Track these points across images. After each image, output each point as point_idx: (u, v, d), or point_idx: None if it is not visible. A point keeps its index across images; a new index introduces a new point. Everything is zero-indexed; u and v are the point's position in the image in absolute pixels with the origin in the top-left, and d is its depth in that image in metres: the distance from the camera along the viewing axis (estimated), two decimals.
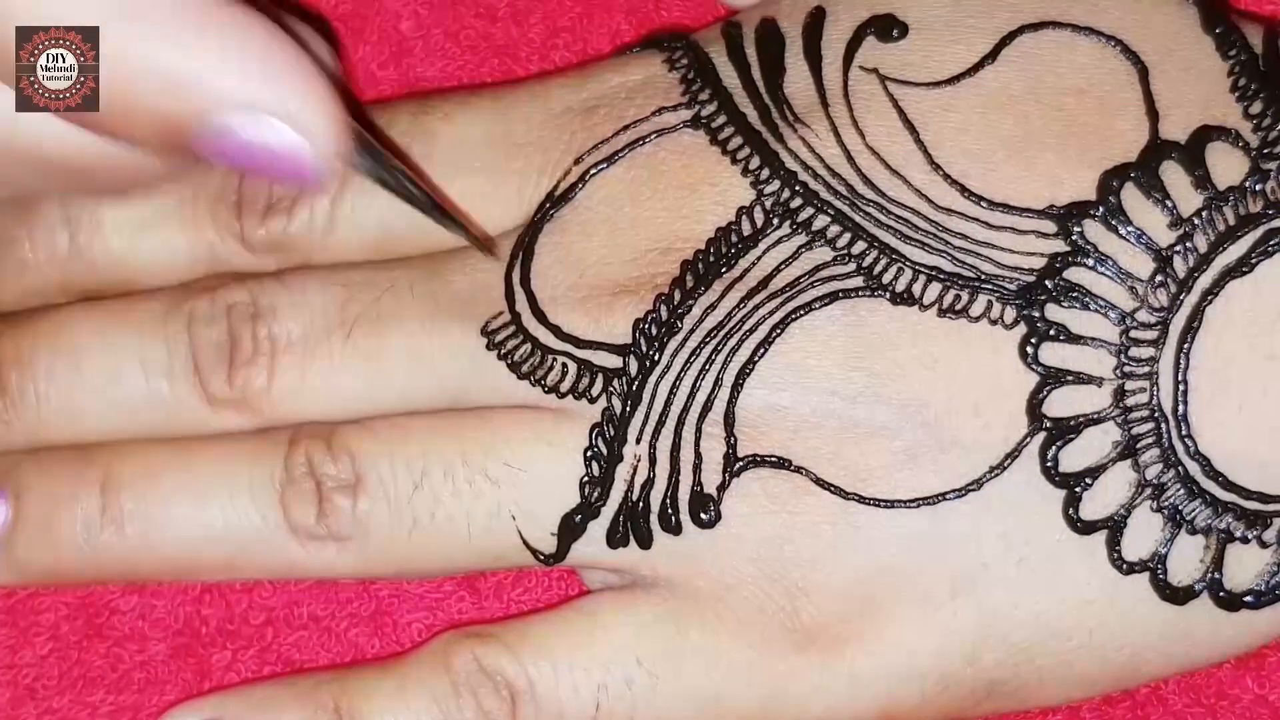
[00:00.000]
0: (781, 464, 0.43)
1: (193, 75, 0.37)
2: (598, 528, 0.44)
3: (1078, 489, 0.42)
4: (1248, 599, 0.43)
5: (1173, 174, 0.43)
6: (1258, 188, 0.43)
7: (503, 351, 0.45)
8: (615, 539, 0.44)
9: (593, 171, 0.45)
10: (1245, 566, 0.43)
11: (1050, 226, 0.43)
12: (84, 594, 0.48)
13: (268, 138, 0.38)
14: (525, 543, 0.45)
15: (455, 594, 0.49)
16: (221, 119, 0.37)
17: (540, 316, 0.44)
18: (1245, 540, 0.43)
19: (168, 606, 0.49)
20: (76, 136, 0.39)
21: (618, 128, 0.46)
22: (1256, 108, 0.43)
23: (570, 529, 0.44)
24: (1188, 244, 0.42)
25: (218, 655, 0.48)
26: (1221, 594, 0.43)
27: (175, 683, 0.48)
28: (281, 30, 0.38)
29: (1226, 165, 0.43)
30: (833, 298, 0.43)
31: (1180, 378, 0.42)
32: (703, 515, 0.43)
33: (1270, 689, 0.48)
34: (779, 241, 0.44)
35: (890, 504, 0.43)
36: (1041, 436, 0.42)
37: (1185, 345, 0.42)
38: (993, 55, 0.44)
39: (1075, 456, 0.42)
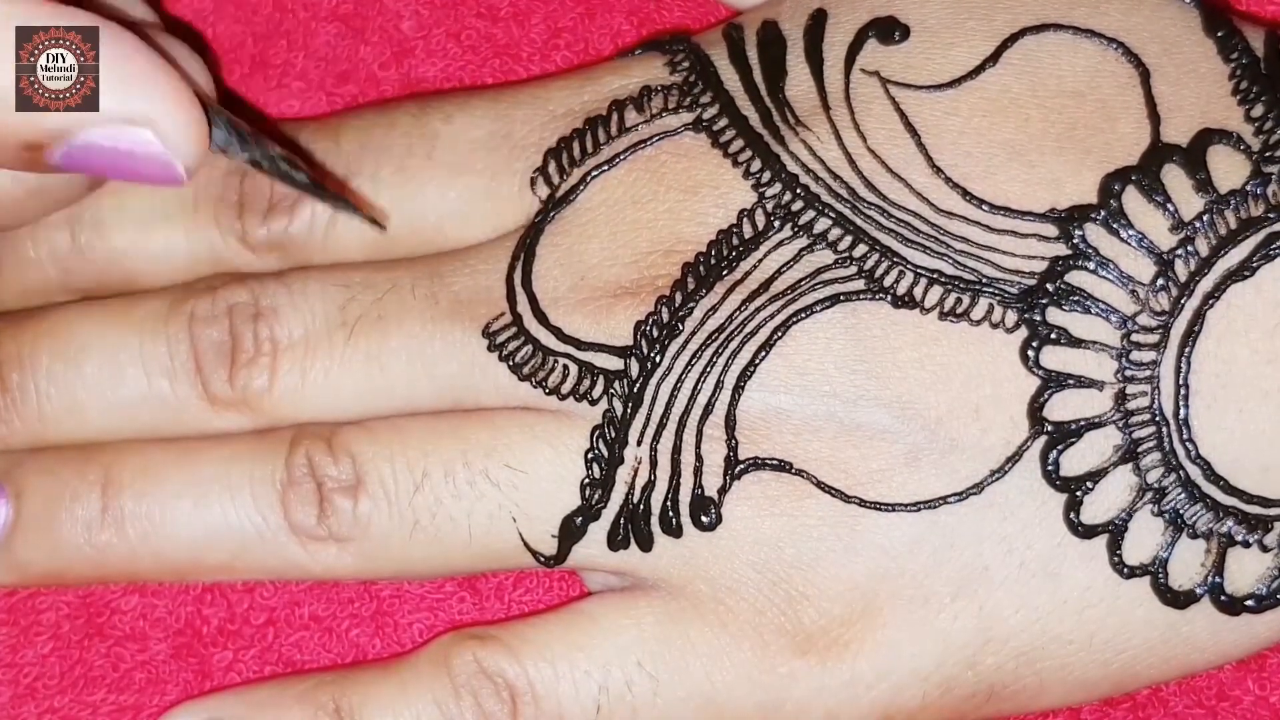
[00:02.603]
0: (782, 467, 0.43)
1: None
2: (598, 530, 0.44)
3: (1078, 493, 0.42)
4: (1249, 603, 0.43)
5: (1174, 177, 0.43)
6: (1259, 191, 0.42)
7: (504, 353, 0.45)
8: (616, 541, 0.44)
9: (594, 173, 0.45)
10: (1246, 570, 0.43)
11: (1051, 230, 0.43)
12: (85, 593, 0.48)
13: (126, 145, 0.38)
14: (526, 544, 0.45)
15: (456, 594, 0.48)
16: (82, 135, 0.38)
17: (541, 318, 0.44)
18: (1246, 544, 0.42)
19: (169, 606, 0.49)
20: None
21: (619, 130, 0.46)
22: (1258, 111, 0.43)
23: (570, 531, 0.44)
24: (1189, 247, 0.42)
25: (219, 655, 0.48)
26: (1222, 598, 0.43)
27: (176, 682, 0.48)
28: (130, 33, 0.38)
29: (1228, 168, 0.43)
30: (834, 301, 0.43)
31: (1181, 381, 0.42)
32: (703, 518, 0.43)
33: (1271, 690, 0.47)
34: (780, 244, 0.44)
35: (891, 507, 0.43)
36: (1042, 440, 0.42)
37: (1186, 349, 0.42)
38: (994, 58, 0.44)
39: (1076, 460, 0.42)
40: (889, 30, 0.45)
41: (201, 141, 0.39)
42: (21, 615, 0.49)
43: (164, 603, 0.49)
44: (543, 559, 0.45)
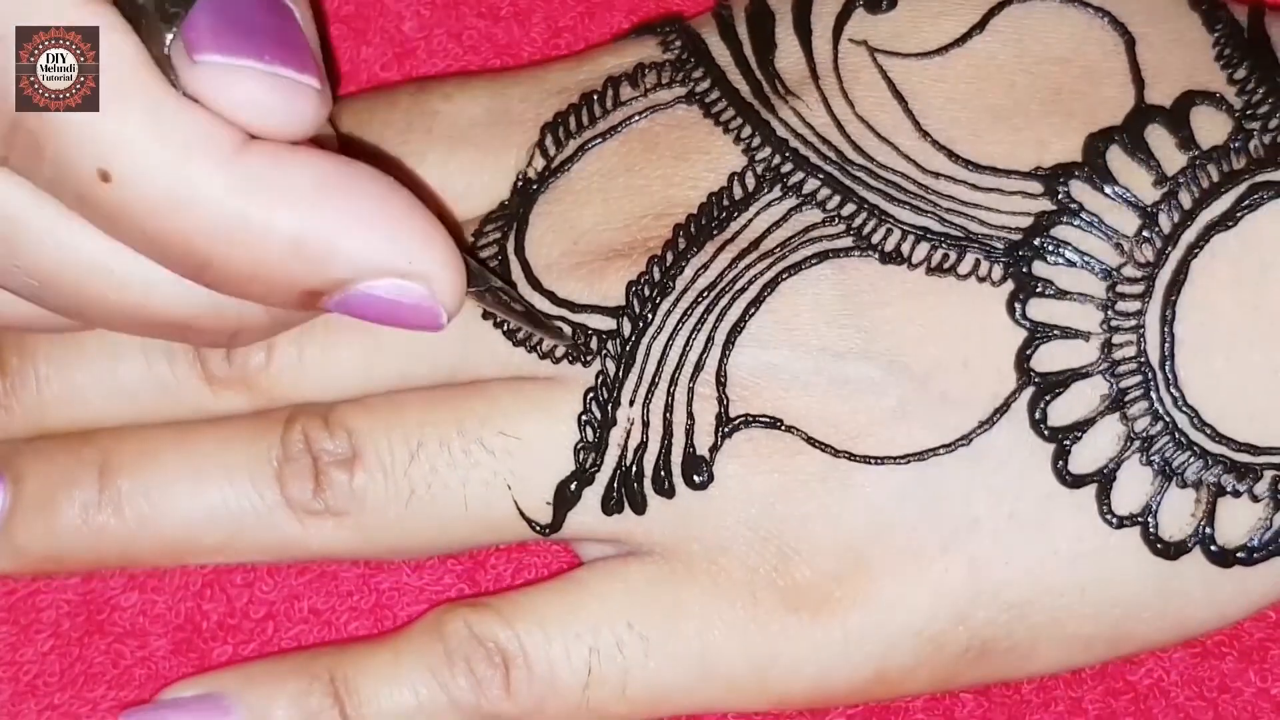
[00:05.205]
0: (773, 424, 0.43)
1: (330, 245, 0.38)
2: (592, 495, 0.44)
3: (1066, 442, 0.42)
4: (1240, 554, 0.43)
5: (1157, 136, 0.43)
6: (1241, 145, 0.43)
7: (498, 320, 0.45)
8: (610, 505, 0.44)
9: (589, 145, 0.46)
10: (1238, 522, 0.43)
11: (1037, 187, 0.43)
12: (85, 590, 0.48)
13: (401, 297, 0.39)
14: (521, 513, 0.45)
15: (455, 586, 0.48)
16: (365, 286, 0.39)
17: (535, 284, 0.45)
18: (1236, 494, 0.42)
19: (168, 602, 0.48)
20: (188, 293, 0.40)
21: (614, 104, 0.46)
22: (1240, 74, 0.44)
23: (565, 497, 0.44)
24: (1172, 200, 0.43)
25: (218, 650, 0.48)
26: (1213, 549, 0.43)
27: (176, 678, 0.48)
28: (396, 181, 0.39)
29: (1211, 126, 0.43)
30: (823, 257, 0.43)
31: (1167, 330, 0.42)
32: (695, 477, 0.44)
33: (1273, 682, 0.47)
34: (770, 204, 0.44)
35: (880, 460, 0.43)
36: (1030, 391, 0.42)
37: (1171, 298, 0.42)
38: (981, 25, 0.45)
39: (1064, 410, 0.42)
40: (877, 0, 0.46)
41: (463, 292, 0.40)
42: (21, 613, 0.49)
43: (163, 599, 0.49)
44: (538, 528, 0.45)
